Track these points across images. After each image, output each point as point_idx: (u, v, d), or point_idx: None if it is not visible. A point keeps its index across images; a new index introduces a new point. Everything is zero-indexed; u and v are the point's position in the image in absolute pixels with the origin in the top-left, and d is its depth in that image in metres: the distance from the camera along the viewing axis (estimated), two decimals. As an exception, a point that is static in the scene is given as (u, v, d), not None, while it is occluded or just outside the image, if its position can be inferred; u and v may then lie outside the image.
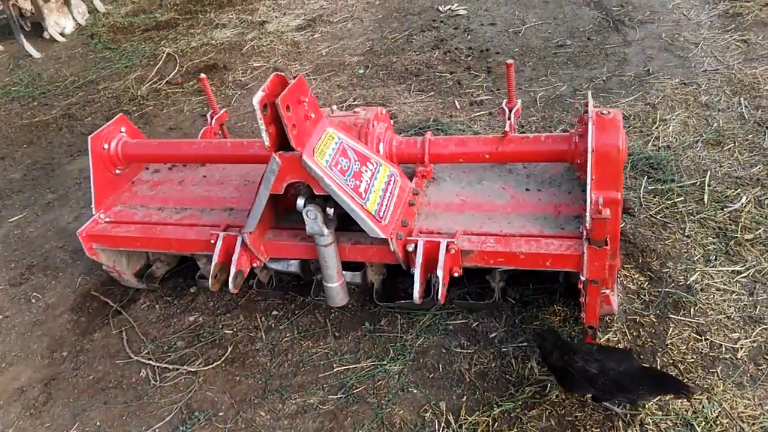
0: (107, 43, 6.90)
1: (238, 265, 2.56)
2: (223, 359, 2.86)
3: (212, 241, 2.61)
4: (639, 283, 2.80)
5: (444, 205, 2.59)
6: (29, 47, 6.86)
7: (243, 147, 2.82)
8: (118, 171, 3.05)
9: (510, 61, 2.75)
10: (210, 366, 2.84)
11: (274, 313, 3.08)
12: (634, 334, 2.60)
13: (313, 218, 2.30)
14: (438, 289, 2.34)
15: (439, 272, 2.30)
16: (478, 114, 4.44)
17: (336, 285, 2.53)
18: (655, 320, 2.63)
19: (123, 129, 3.04)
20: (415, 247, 2.36)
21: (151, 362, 2.90)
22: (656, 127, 3.90)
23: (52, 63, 6.66)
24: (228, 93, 5.34)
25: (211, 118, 3.27)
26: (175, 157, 3.01)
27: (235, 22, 6.90)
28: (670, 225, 3.08)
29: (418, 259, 2.33)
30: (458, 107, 4.58)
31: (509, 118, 2.78)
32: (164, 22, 7.26)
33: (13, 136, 5.28)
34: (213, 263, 2.59)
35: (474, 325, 2.81)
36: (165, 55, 6.24)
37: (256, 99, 2.04)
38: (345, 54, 5.78)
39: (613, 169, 2.19)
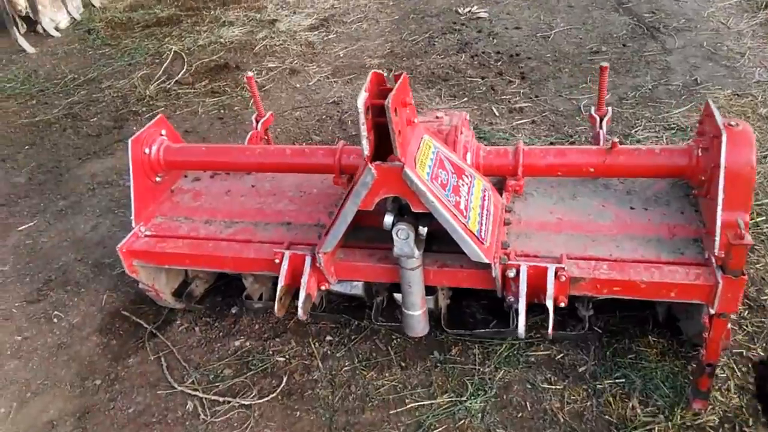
0: (106, 39, 6.52)
1: (308, 288, 2.28)
2: (278, 391, 2.57)
3: (276, 261, 2.32)
4: (738, 312, 2.58)
5: (537, 223, 2.34)
6: (23, 41, 6.44)
7: (305, 155, 2.53)
8: (158, 178, 2.74)
9: (605, 64, 2.52)
10: (265, 399, 2.54)
11: (329, 338, 2.79)
12: (743, 370, 2.38)
13: (404, 238, 2.03)
14: (546, 320, 2.08)
15: (549, 303, 2.05)
16: (519, 122, 4.21)
17: (419, 313, 2.26)
18: (763, 354, 2.42)
19: (164, 131, 2.73)
20: (517, 272, 2.10)
21: (197, 393, 2.59)
22: (716, 140, 3.70)
23: (48, 59, 6.25)
24: (244, 95, 5.02)
25: (257, 121, 2.98)
26: (227, 165, 2.70)
27: (242, 20, 6.57)
28: (756, 247, 2.88)
29: (522, 287, 2.07)
30: (497, 114, 4.34)
31: (600, 127, 2.55)
32: (165, 18, 6.89)
33: (13, 136, 4.88)
34: (279, 286, 2.30)
35: (559, 357, 2.57)
36: (171, 53, 5.89)
37: (361, 101, 1.77)
38: (364, 56, 5.51)
39: (745, 189, 1.97)
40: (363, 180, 1.92)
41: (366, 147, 1.85)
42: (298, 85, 5.11)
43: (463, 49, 5.36)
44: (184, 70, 5.55)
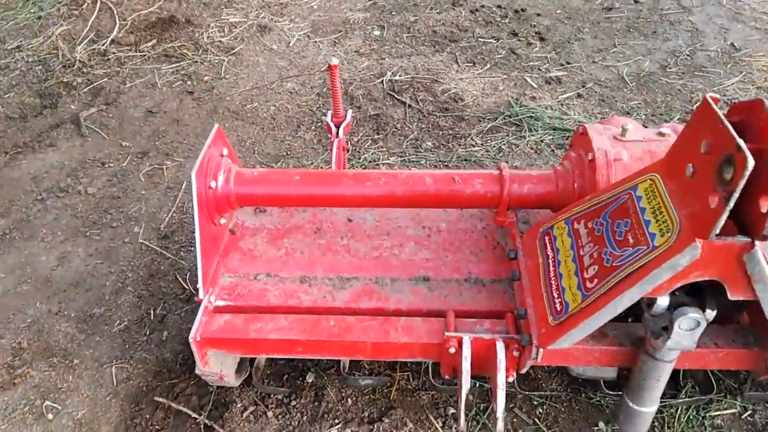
0: (-11, -20, 5.05)
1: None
2: (420, 499, 1.92)
3: (452, 350, 1.62)
4: None
5: None
6: None
7: (456, 184, 1.80)
8: (223, 221, 1.89)
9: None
10: None
11: (451, 411, 2.15)
12: None
13: (688, 329, 1.42)
14: None
15: None
16: (564, 96, 3.64)
17: (653, 410, 1.67)
18: None
19: (225, 151, 1.87)
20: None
21: None
22: (792, 119, 3.36)
23: None
24: (212, 59, 4.02)
25: (336, 126, 2.17)
26: (337, 200, 1.87)
27: (172, -42, 5.34)
28: None
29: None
30: (534, 86, 3.74)
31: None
32: (64, -47, 5.47)
33: None
34: (464, 390, 1.60)
35: (746, 415, 2.11)
36: (97, 4, 4.63)
37: (750, 160, 1.08)
38: (344, 9, 4.63)
39: None
40: (675, 260, 1.26)
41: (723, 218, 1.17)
42: (274, 47, 4.17)
43: (458, 2, 4.65)
44: (118, 26, 4.38)
